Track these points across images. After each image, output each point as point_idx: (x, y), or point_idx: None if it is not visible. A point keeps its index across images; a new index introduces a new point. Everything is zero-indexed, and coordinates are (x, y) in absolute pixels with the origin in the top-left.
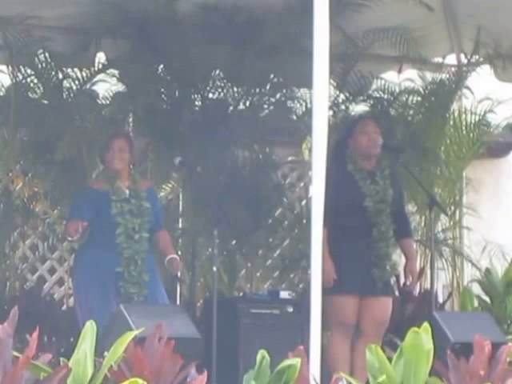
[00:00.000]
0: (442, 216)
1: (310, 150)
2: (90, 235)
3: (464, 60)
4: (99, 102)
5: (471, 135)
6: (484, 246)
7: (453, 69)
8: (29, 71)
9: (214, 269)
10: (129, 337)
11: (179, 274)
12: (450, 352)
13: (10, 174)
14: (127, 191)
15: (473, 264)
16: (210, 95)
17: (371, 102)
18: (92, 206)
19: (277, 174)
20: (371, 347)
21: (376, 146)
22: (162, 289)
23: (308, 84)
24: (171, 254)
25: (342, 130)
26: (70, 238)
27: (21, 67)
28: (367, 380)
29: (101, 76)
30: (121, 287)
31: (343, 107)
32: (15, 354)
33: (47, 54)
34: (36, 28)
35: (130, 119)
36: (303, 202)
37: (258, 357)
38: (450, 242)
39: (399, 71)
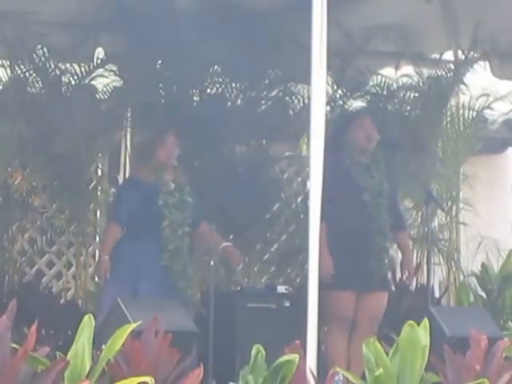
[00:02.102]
0: (439, 212)
1: (308, 146)
2: (131, 226)
3: (461, 56)
4: (98, 97)
5: (468, 131)
6: (480, 242)
7: (450, 65)
8: (27, 66)
9: (212, 263)
10: (126, 330)
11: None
12: (446, 347)
13: (9, 169)
14: (172, 184)
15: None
16: (208, 90)
17: (368, 97)
18: (140, 195)
19: (274, 169)
20: (368, 341)
21: (372, 141)
22: None
23: (306, 80)
24: (224, 242)
25: (338, 126)
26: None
27: (19, 62)
28: (363, 374)
29: (99, 71)
30: (167, 281)
31: (341, 103)
32: (13, 346)
33: (45, 49)
34: (34, 23)
35: (129, 114)
36: (300, 197)
37: (253, 351)
38: (445, 239)
39: (397, 67)
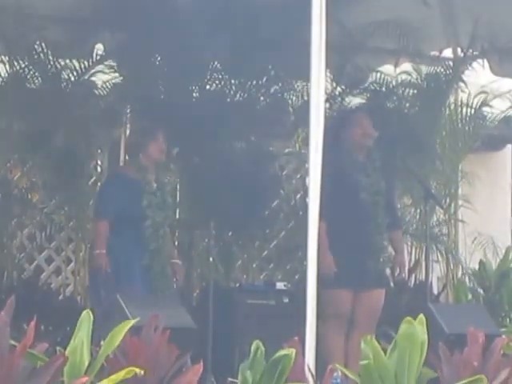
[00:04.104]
0: (437, 209)
1: (307, 142)
2: (116, 224)
3: (460, 54)
4: (97, 93)
5: (467, 128)
6: (477, 239)
7: (449, 62)
8: (27, 61)
9: (211, 259)
10: (125, 326)
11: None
12: (441, 344)
13: (9, 164)
14: (154, 184)
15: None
16: (208, 87)
17: (368, 94)
18: (125, 192)
19: (274, 165)
20: (366, 338)
21: (369, 137)
22: None
23: (305, 76)
24: (175, 258)
25: (335, 123)
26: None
27: (18, 57)
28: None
29: (99, 67)
30: (149, 280)
31: (340, 99)
32: (12, 342)
33: (44, 45)
34: (33, 18)
35: (128, 110)
36: (299, 194)
37: (253, 347)
38: (444, 237)
39: (396, 64)
